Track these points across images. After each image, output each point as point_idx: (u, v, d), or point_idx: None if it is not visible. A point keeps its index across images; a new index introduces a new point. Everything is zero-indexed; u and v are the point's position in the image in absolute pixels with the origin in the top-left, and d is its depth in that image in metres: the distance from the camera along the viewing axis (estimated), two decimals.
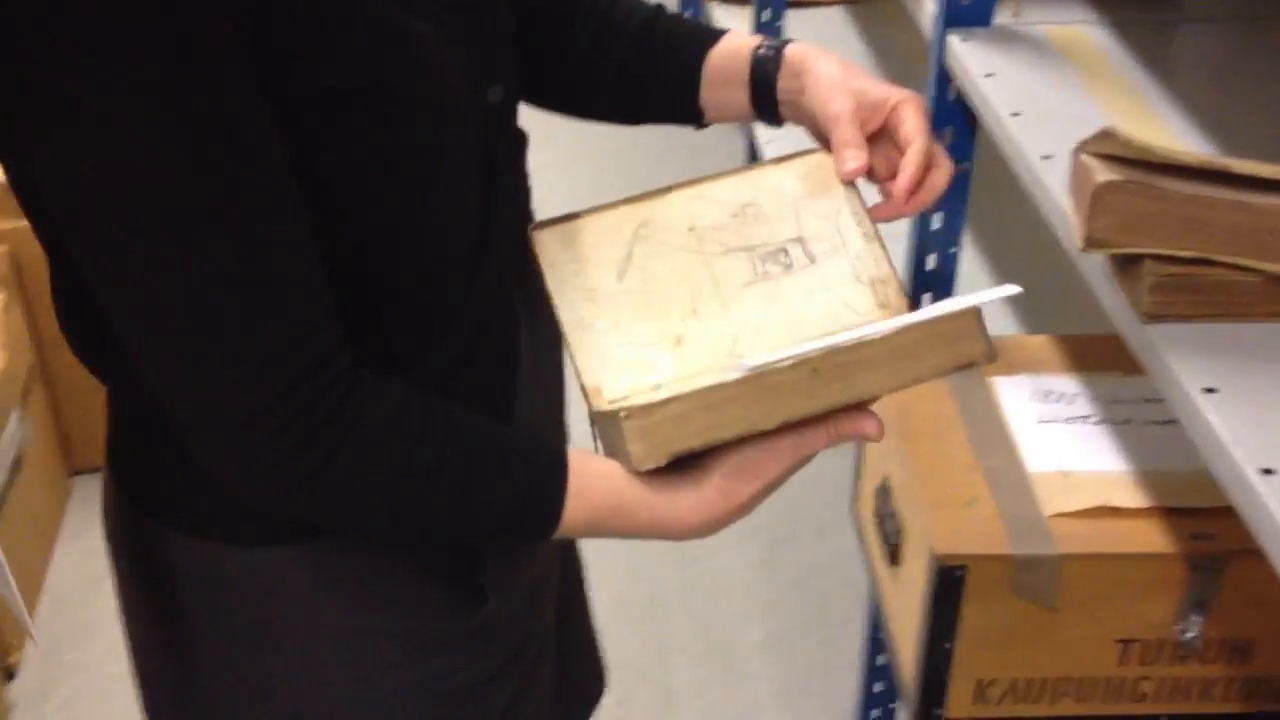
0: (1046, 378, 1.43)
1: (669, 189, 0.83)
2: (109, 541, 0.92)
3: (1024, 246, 1.90)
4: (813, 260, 0.83)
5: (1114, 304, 0.99)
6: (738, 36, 0.95)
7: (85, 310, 0.76)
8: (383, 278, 0.80)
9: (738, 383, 0.70)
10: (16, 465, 2.06)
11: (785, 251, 0.83)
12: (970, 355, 0.75)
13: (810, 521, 2.26)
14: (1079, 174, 0.98)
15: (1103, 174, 0.94)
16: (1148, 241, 0.94)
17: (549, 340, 0.85)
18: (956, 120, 1.42)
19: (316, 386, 0.73)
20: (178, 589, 0.87)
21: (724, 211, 0.83)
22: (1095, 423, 1.35)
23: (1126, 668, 1.26)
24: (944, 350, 0.73)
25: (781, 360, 0.70)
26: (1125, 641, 1.24)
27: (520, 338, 0.87)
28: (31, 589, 2.12)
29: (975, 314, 0.73)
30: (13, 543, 2.03)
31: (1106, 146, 0.96)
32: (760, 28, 2.40)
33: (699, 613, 2.13)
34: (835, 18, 2.53)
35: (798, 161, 0.85)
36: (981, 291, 0.78)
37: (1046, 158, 1.16)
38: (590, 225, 0.82)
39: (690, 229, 0.82)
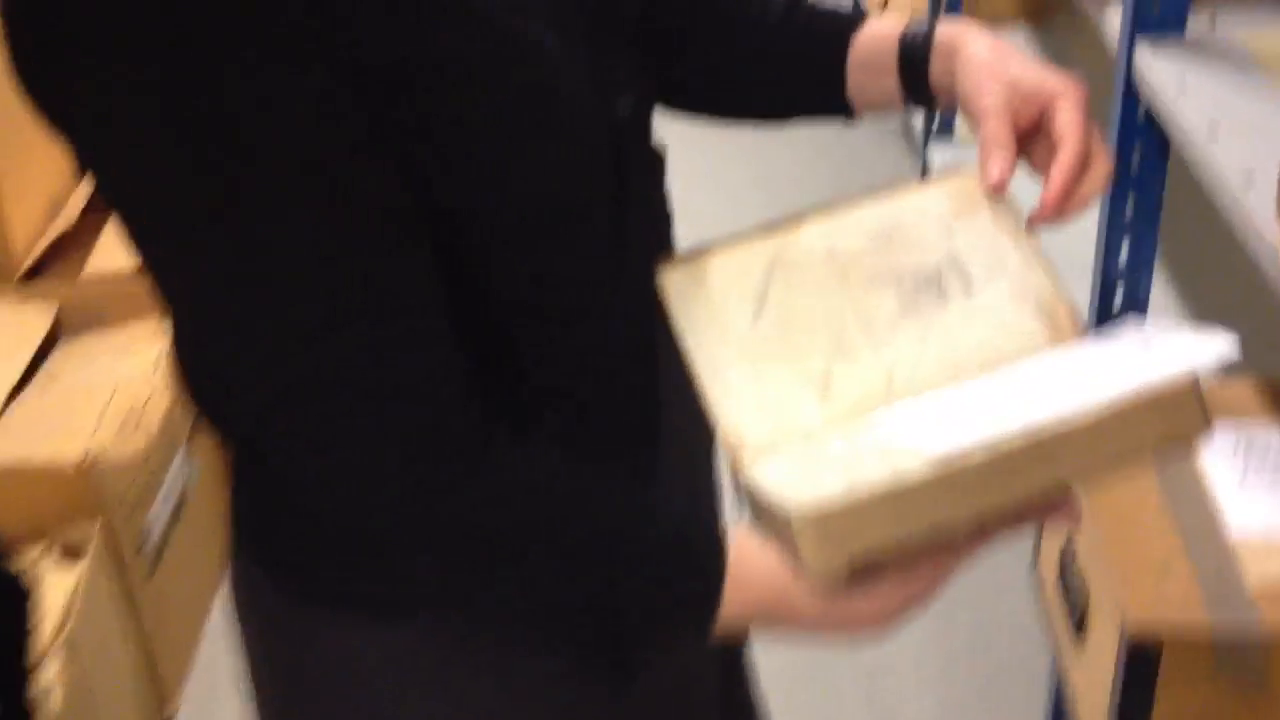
0: (1250, 428, 1.27)
1: (805, 217, 0.74)
2: (239, 617, 0.87)
3: (1219, 277, 1.73)
4: (968, 285, 0.72)
5: None
6: (883, 21, 0.85)
7: (202, 367, 0.72)
8: (508, 319, 0.73)
9: (923, 480, 0.61)
10: (180, 504, 2.07)
11: (938, 278, 0.73)
12: (1187, 430, 0.64)
13: (987, 581, 2.11)
14: None
15: None
16: None
17: (688, 386, 0.77)
18: (1146, 138, 1.28)
19: (459, 421, 0.69)
20: (306, 669, 0.82)
21: (866, 238, 0.73)
22: None
23: None
24: (1156, 425, 0.62)
25: (972, 449, 0.60)
26: None
27: (660, 381, 0.80)
28: (192, 630, 2.13)
29: (1193, 383, 0.62)
30: (176, 582, 2.03)
31: None
32: None
33: (866, 680, 2.00)
34: (1015, 38, 2.40)
35: (943, 181, 0.75)
36: (1183, 333, 0.66)
37: (1248, 178, 1.02)
38: (721, 261, 0.73)
39: (830, 259, 0.73)
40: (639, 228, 0.77)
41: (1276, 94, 1.13)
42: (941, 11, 2.27)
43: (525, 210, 0.71)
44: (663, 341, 0.75)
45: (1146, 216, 1.35)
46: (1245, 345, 1.30)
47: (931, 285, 0.72)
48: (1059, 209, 0.72)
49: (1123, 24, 1.24)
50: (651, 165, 0.82)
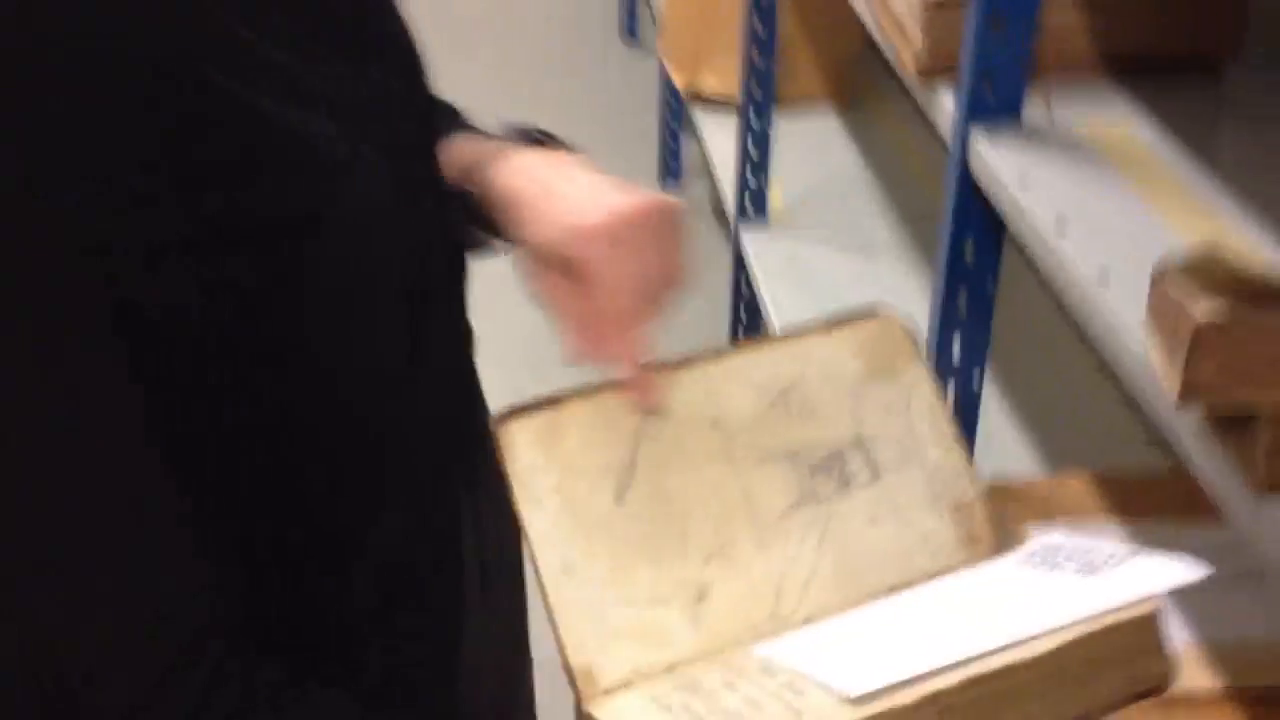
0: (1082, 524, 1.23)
1: (688, 361, 0.64)
2: None
3: (1054, 374, 1.71)
4: (876, 473, 0.63)
5: (1210, 466, 0.80)
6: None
7: None
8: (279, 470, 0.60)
9: None
10: None
11: (841, 460, 0.63)
12: (1149, 677, 0.55)
13: None
14: (1166, 308, 0.79)
15: (1204, 309, 0.75)
16: (1266, 393, 0.75)
17: (510, 546, 0.65)
18: (980, 231, 1.23)
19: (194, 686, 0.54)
20: None
21: (760, 399, 0.63)
22: None
23: None
24: (1115, 672, 0.53)
25: (897, 696, 0.50)
26: None
27: (463, 539, 0.68)
28: None
29: (1152, 620, 0.53)
30: None
31: (1199, 271, 0.78)
32: (750, 135, 2.22)
33: None
34: (828, 124, 2.36)
35: (854, 329, 0.66)
36: (1118, 553, 0.58)
37: (1103, 275, 0.97)
38: (578, 416, 0.62)
39: (715, 424, 0.63)
40: (436, 338, 0.65)
41: (1123, 188, 1.09)
42: (746, 90, 2.22)
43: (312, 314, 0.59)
44: (469, 503, 0.63)
45: (980, 311, 1.31)
46: (1080, 442, 1.20)
47: (832, 468, 0.62)
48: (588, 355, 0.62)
49: (956, 111, 1.20)
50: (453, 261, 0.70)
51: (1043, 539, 0.61)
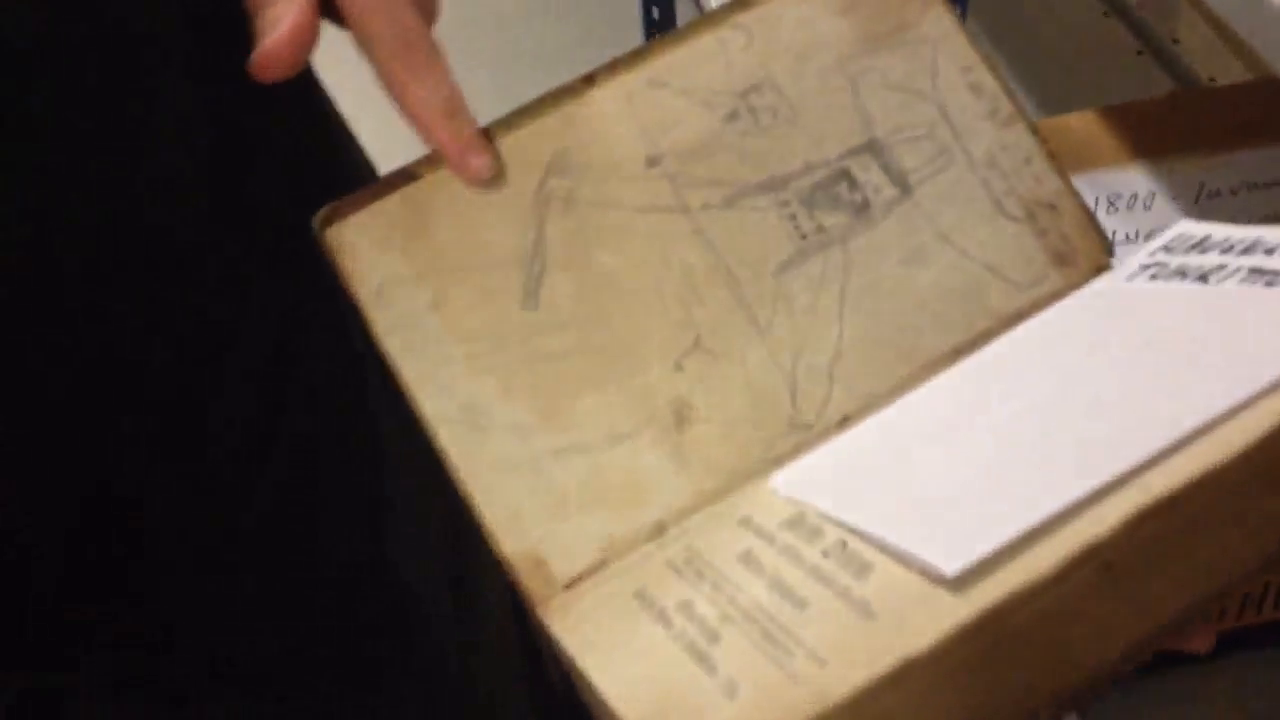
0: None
1: (592, 79, 0.42)
2: None
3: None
4: (904, 185, 0.42)
5: None
6: None
7: None
8: None
9: (946, 640, 0.29)
10: None
11: (848, 177, 0.43)
12: None
13: None
14: None
15: None
16: None
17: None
18: None
19: None
20: None
21: (710, 113, 0.42)
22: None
23: None
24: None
25: (1026, 561, 0.29)
26: None
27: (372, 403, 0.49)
28: None
29: None
30: None
31: None
32: None
33: None
34: None
35: None
36: None
37: None
38: (446, 192, 0.41)
39: (652, 162, 0.42)
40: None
41: None
42: None
43: None
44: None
45: None
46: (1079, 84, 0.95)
47: (838, 191, 0.41)
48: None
49: None
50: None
51: (1173, 231, 0.41)
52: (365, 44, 0.40)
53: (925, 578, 0.30)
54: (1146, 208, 0.83)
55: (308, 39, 0.39)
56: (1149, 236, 0.70)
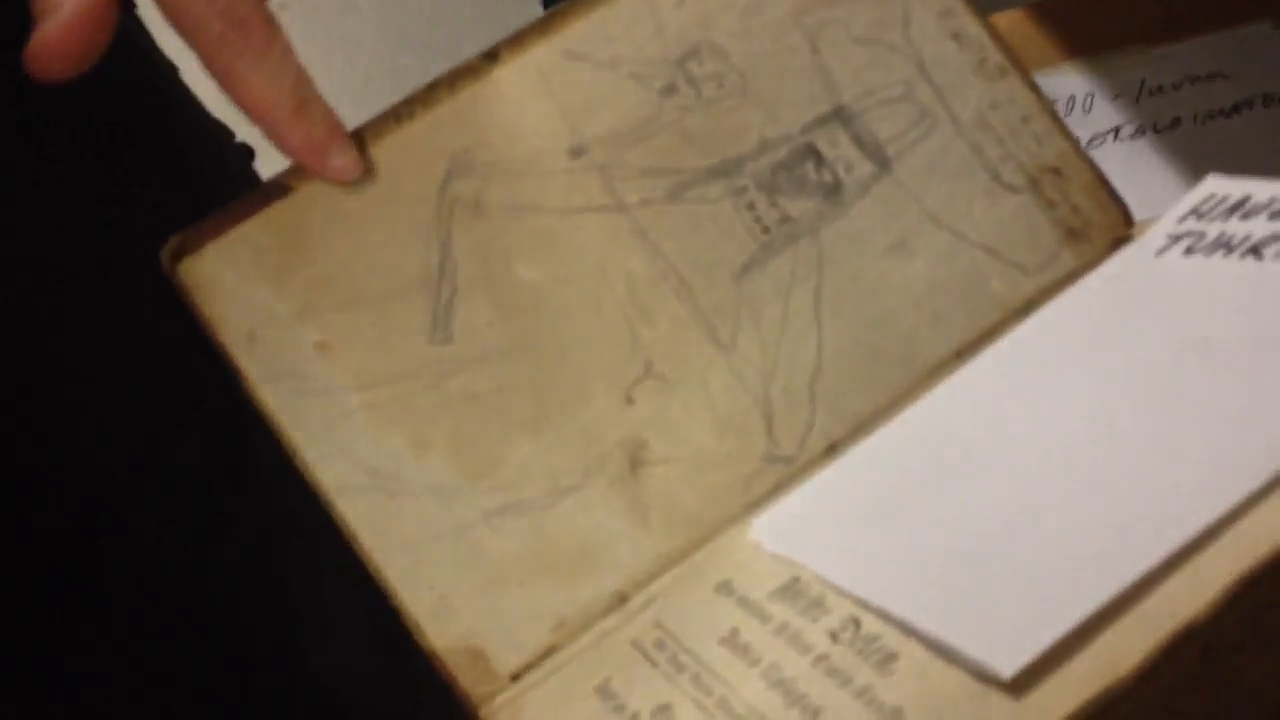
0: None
1: (495, 55, 0.35)
2: None
3: None
4: (881, 158, 0.35)
5: None
6: None
7: None
8: None
9: None
10: None
11: (812, 152, 0.36)
12: None
13: None
14: None
15: None
16: None
17: None
18: None
19: None
20: None
21: (642, 87, 0.35)
22: None
23: None
24: None
25: (1102, 655, 0.22)
26: None
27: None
28: None
29: None
30: None
31: None
32: None
33: None
34: None
35: None
36: None
37: None
38: (323, 201, 0.34)
39: (576, 153, 0.35)
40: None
41: None
42: None
43: None
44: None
45: None
46: None
47: (803, 170, 0.35)
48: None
49: None
50: None
51: (1199, 192, 0.35)
52: (183, 28, 0.32)
53: (972, 678, 0.24)
54: (1086, 110, 0.77)
55: (95, 27, 0.30)
56: (1092, 141, 0.64)
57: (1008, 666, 0.23)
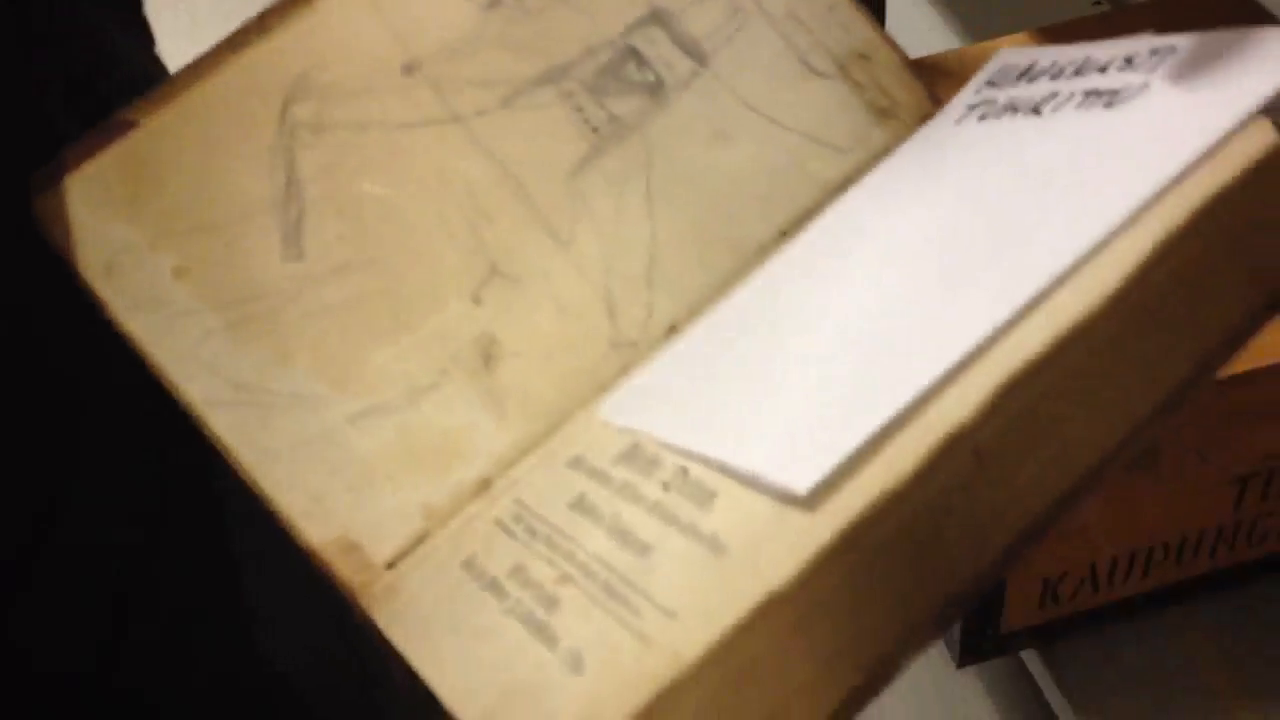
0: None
1: None
2: None
3: None
4: (699, 55, 0.37)
5: None
6: None
7: None
8: None
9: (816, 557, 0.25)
10: None
11: (634, 54, 0.38)
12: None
13: None
14: None
15: None
16: None
17: None
18: None
19: None
20: None
21: (466, 2, 0.37)
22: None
23: None
24: (1228, 277, 0.28)
25: (890, 457, 0.25)
26: None
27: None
28: None
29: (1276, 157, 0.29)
30: None
31: None
32: None
33: None
34: None
35: None
36: (1192, 49, 0.33)
37: None
38: (168, 127, 0.35)
39: (411, 69, 0.37)
40: None
41: None
42: None
43: None
44: None
45: None
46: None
47: (626, 71, 0.36)
48: None
49: None
50: None
51: (995, 63, 0.37)
52: None
53: (777, 500, 0.26)
54: None
55: None
56: None
57: (803, 484, 0.25)
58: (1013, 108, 0.34)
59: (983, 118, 0.35)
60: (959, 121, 0.35)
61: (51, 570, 0.38)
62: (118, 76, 0.41)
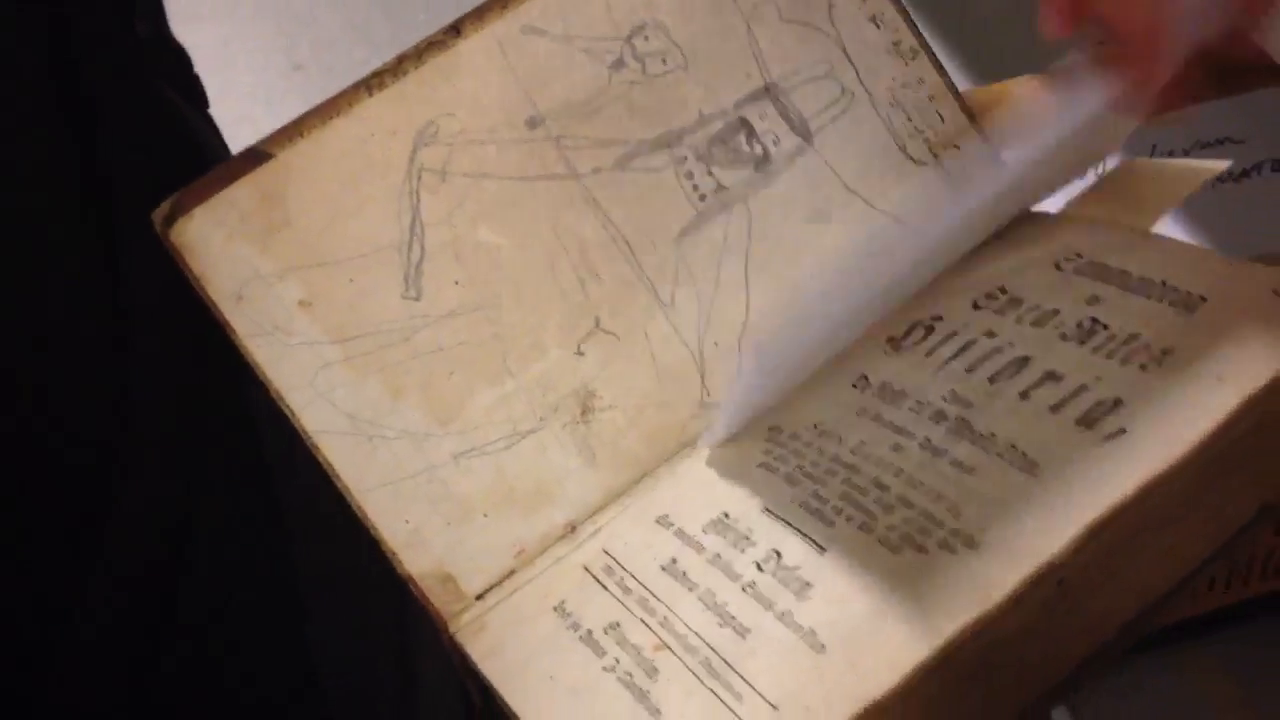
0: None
1: (458, 29, 0.37)
2: None
3: None
4: (806, 132, 0.39)
5: None
6: None
7: None
8: None
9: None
10: None
11: (745, 127, 0.39)
12: None
13: None
14: None
15: None
16: None
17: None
18: None
19: None
20: None
21: (594, 62, 0.38)
22: None
23: None
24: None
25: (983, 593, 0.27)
26: None
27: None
28: None
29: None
30: None
31: None
32: None
33: None
34: None
35: None
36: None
37: None
38: (304, 165, 0.37)
39: (534, 124, 0.38)
40: None
41: None
42: None
43: None
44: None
45: None
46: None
47: (738, 143, 0.38)
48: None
49: None
50: None
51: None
52: None
53: (873, 603, 0.29)
54: (1098, 174, 0.81)
55: None
56: None
57: None
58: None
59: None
60: None
61: (105, 550, 0.40)
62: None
